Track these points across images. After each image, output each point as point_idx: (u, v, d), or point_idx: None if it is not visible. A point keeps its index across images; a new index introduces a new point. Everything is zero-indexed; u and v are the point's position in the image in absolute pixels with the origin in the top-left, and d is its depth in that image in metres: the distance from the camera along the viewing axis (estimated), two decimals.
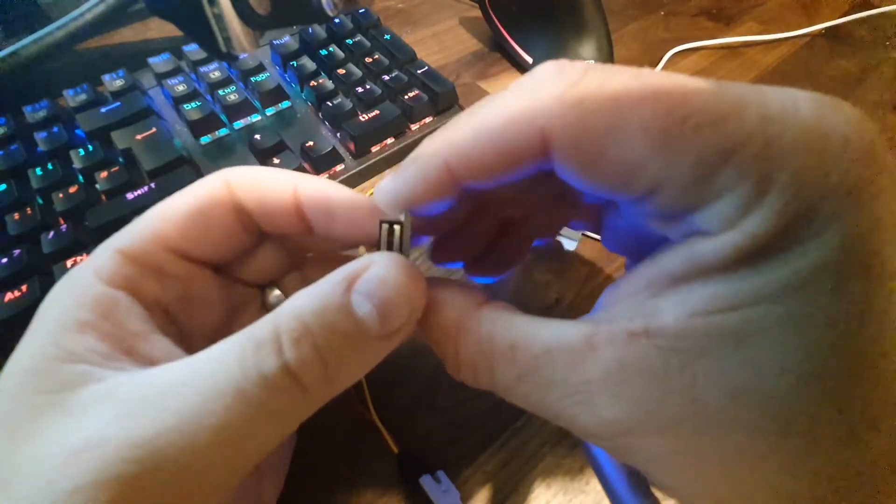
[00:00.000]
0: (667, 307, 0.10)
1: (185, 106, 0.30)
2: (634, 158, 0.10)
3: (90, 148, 0.27)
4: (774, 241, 0.09)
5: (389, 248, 0.14)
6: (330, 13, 0.34)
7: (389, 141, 0.31)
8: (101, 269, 0.13)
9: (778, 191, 0.09)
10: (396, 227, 0.14)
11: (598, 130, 0.10)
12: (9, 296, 0.22)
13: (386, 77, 0.33)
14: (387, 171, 0.31)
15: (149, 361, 0.13)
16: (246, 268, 0.17)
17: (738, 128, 0.09)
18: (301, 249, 0.18)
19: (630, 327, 0.11)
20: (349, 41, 0.35)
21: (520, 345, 0.12)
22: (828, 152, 0.09)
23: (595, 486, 0.20)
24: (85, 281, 0.13)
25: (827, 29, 0.43)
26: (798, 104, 0.10)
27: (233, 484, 0.12)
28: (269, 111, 0.32)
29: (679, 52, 0.41)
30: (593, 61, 0.37)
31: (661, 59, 0.40)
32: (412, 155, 0.13)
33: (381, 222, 0.14)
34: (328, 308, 0.11)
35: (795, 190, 0.09)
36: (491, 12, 0.40)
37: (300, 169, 0.28)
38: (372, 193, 0.14)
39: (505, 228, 0.19)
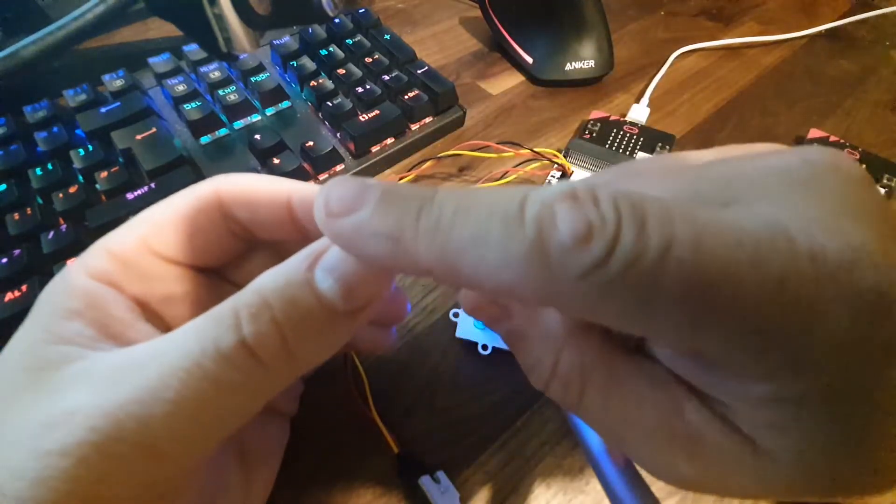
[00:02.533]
0: (738, 413, 0.10)
1: (185, 106, 0.30)
2: (654, 334, 0.10)
3: (90, 148, 0.27)
4: (806, 404, 0.09)
5: None
6: (330, 13, 0.34)
7: (389, 141, 0.31)
8: (88, 266, 0.14)
9: (811, 368, 0.09)
10: None
11: (617, 310, 0.09)
12: (9, 296, 0.22)
13: (386, 77, 0.33)
14: (387, 171, 0.31)
15: (134, 345, 0.13)
16: (240, 271, 0.17)
17: (786, 303, 0.08)
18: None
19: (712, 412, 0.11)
20: (349, 41, 0.35)
21: (617, 378, 0.12)
22: (871, 324, 0.08)
23: (595, 486, 0.20)
24: (74, 275, 0.14)
25: (827, 29, 0.43)
26: (855, 268, 0.08)
27: (200, 457, 0.12)
28: (269, 111, 0.32)
29: (682, 52, 0.41)
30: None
31: (667, 59, 0.40)
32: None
33: None
34: (290, 283, 0.11)
35: (830, 366, 0.09)
36: (491, 12, 0.40)
37: (300, 169, 0.28)
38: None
39: None
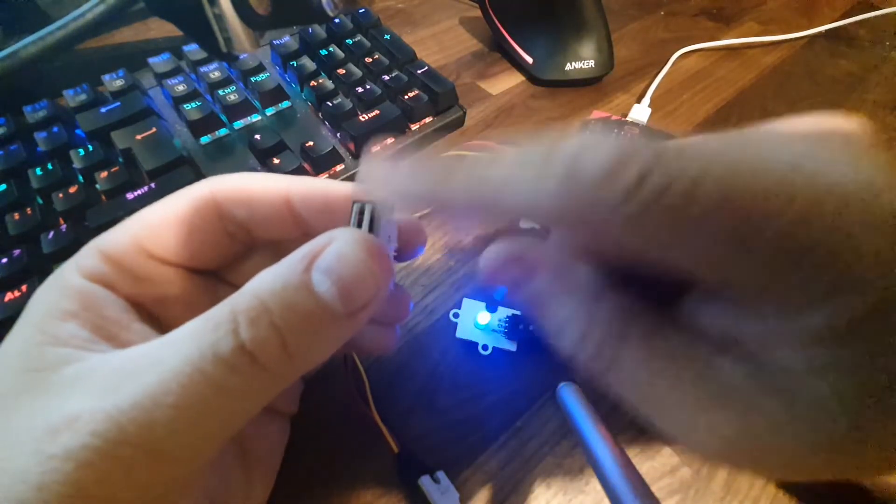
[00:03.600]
0: (775, 365, 0.10)
1: (185, 106, 0.30)
2: (696, 265, 0.10)
3: (90, 148, 0.27)
4: (856, 324, 0.09)
5: (358, 227, 0.13)
6: (330, 13, 0.34)
7: (389, 141, 0.31)
8: (82, 266, 0.14)
9: (856, 281, 0.09)
10: (367, 207, 0.13)
11: (658, 240, 0.09)
12: (9, 296, 0.22)
13: (386, 77, 0.33)
14: None
15: (130, 346, 0.13)
16: (238, 273, 0.17)
17: (815, 227, 0.08)
18: None
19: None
20: (349, 41, 0.35)
21: (652, 334, 0.11)
22: None
23: (595, 486, 0.20)
24: (67, 275, 0.13)
25: (827, 30, 0.43)
26: (874, 184, 0.09)
27: (203, 458, 0.12)
28: (269, 111, 0.32)
29: (684, 52, 0.41)
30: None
31: (668, 60, 0.40)
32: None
33: (354, 202, 0.13)
34: (287, 286, 0.11)
35: (874, 277, 0.09)
36: (491, 12, 0.40)
37: (300, 169, 0.28)
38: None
39: None
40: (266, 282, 0.12)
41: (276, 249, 0.17)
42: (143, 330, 0.14)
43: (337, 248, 0.12)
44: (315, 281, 0.11)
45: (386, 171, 0.12)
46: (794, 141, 0.10)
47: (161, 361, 0.11)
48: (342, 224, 0.14)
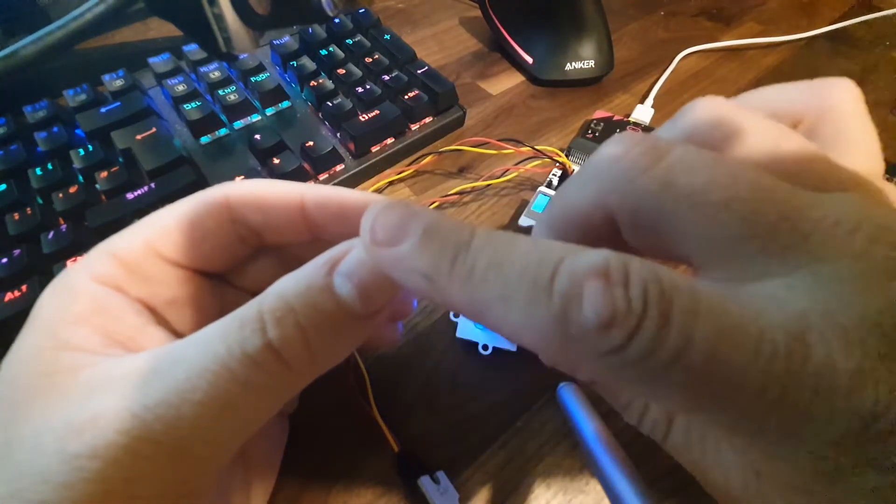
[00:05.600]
0: None
1: (185, 106, 0.30)
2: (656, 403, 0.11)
3: (90, 148, 0.27)
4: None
5: None
6: (330, 13, 0.34)
7: (389, 141, 0.31)
8: (92, 270, 0.14)
9: (802, 457, 0.09)
10: None
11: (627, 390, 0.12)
12: (9, 296, 0.22)
13: (386, 77, 0.33)
14: (387, 171, 0.31)
15: (144, 350, 0.13)
16: (243, 276, 0.17)
17: (769, 412, 0.09)
18: (298, 259, 0.18)
19: None
20: (349, 41, 0.35)
21: (694, 421, 0.13)
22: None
23: (595, 486, 0.20)
24: (78, 279, 0.13)
25: (827, 31, 0.43)
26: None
27: (224, 457, 0.12)
28: (269, 111, 0.32)
29: (688, 53, 0.41)
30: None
31: (670, 59, 0.40)
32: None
33: None
34: (311, 289, 0.12)
35: (820, 457, 0.09)
36: (491, 12, 0.40)
37: (300, 169, 0.28)
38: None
39: None
40: (290, 285, 0.12)
41: (281, 253, 0.17)
42: (159, 333, 0.14)
43: (357, 254, 0.12)
44: (337, 284, 0.12)
45: (395, 237, 0.11)
46: (826, 268, 0.09)
47: (186, 360, 0.11)
48: (355, 229, 0.15)
